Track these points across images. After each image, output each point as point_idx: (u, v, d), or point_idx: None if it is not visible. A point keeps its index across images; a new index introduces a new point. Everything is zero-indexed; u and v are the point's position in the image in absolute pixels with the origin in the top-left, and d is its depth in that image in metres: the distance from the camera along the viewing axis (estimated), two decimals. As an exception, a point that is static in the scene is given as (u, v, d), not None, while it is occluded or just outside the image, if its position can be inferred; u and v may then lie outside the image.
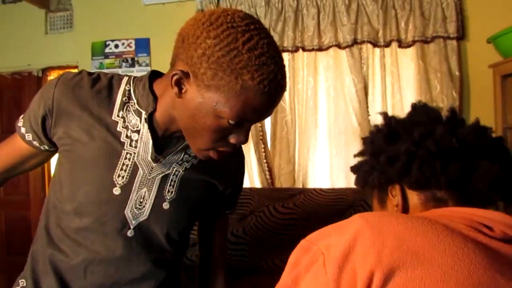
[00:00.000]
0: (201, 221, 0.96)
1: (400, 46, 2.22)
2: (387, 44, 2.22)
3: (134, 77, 0.76)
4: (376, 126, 0.70)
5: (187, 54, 0.60)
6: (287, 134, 2.35)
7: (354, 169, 0.72)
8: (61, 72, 2.88)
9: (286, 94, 2.36)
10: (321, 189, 2.10)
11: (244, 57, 0.57)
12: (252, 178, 2.39)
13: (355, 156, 0.73)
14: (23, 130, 0.76)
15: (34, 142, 0.77)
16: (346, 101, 2.30)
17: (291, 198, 2.05)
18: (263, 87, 0.58)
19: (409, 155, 0.59)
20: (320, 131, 2.36)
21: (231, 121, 0.61)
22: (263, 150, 2.38)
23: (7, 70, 2.84)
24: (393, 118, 0.68)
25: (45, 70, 2.85)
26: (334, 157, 2.34)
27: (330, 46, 2.28)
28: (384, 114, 0.70)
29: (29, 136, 0.76)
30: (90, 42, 2.66)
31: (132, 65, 2.61)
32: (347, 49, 2.26)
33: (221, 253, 0.97)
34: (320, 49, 2.30)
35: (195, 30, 0.60)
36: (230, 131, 0.64)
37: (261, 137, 2.38)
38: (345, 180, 2.30)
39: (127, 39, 2.62)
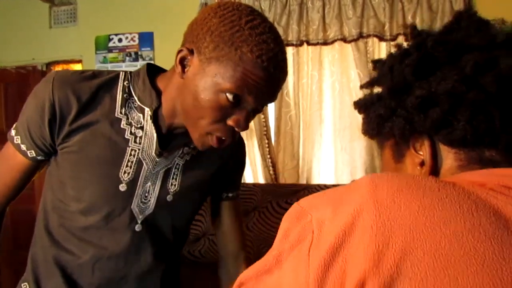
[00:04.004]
0: (211, 209, 0.92)
1: (407, 40, 2.17)
2: (394, 38, 2.19)
3: (130, 72, 0.75)
4: (398, 45, 0.48)
5: (193, 34, 0.64)
6: (291, 129, 2.33)
7: (360, 107, 0.50)
8: (65, 66, 2.90)
9: (290, 89, 2.33)
10: (325, 185, 2.08)
11: (245, 33, 0.60)
12: (256, 174, 2.38)
13: (361, 87, 0.52)
14: (23, 147, 0.72)
15: (38, 157, 0.74)
16: (352, 96, 2.27)
17: (295, 194, 2.04)
18: (261, 61, 0.59)
19: (454, 98, 0.39)
20: (324, 126, 2.34)
21: (229, 95, 0.61)
22: (267, 145, 2.37)
23: (11, 64, 2.85)
24: (430, 35, 0.45)
25: (50, 64, 2.84)
26: (339, 153, 2.32)
27: (335, 40, 2.24)
28: (412, 27, 0.48)
29: (31, 153, 0.73)
30: (94, 36, 2.65)
31: (136, 59, 2.59)
32: (352, 43, 2.23)
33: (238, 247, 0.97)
34: (325, 43, 2.27)
35: (203, 13, 0.64)
36: (229, 112, 0.64)
37: (265, 133, 2.36)
38: (350, 176, 2.28)
39: (130, 33, 2.61)
